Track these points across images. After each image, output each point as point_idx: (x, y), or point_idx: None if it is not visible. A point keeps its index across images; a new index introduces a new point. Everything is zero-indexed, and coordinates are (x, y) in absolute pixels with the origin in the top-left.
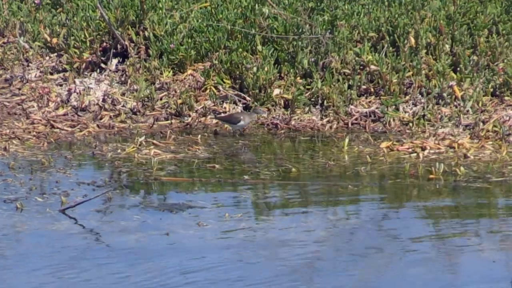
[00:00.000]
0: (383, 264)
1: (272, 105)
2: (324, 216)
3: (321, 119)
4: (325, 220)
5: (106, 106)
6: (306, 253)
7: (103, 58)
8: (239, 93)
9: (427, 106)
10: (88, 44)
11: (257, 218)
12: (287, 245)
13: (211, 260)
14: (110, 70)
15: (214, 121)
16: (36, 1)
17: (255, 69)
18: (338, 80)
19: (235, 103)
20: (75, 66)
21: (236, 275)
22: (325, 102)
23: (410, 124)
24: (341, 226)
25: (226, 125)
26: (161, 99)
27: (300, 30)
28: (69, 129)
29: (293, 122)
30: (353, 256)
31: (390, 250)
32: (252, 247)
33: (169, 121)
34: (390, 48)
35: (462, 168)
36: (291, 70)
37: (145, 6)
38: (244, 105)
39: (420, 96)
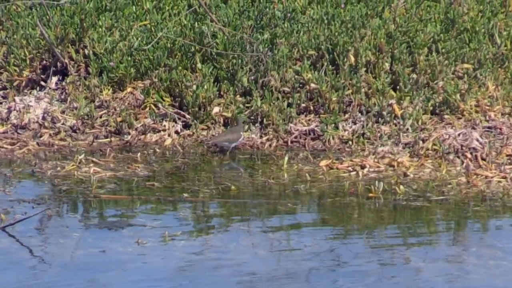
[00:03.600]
0: (323, 283)
1: (212, 123)
2: (264, 234)
3: (261, 137)
4: (265, 238)
5: (46, 124)
6: (245, 272)
7: (43, 76)
8: (179, 111)
9: (367, 125)
10: (28, 62)
11: (196, 236)
12: (226, 263)
13: (149, 277)
14: (50, 88)
15: (154, 139)
16: None
17: (194, 87)
18: (278, 98)
19: (174, 121)
20: (15, 84)
21: None
22: (264, 120)
23: (350, 143)
24: (281, 244)
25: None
26: (100, 117)
27: (241, 48)
28: (9, 147)
29: None
30: (292, 274)
31: (330, 267)
32: (191, 265)
33: (108, 139)
34: (330, 66)
35: (401, 187)
36: (231, 88)
37: (85, 24)
38: (183, 123)
39: (359, 114)
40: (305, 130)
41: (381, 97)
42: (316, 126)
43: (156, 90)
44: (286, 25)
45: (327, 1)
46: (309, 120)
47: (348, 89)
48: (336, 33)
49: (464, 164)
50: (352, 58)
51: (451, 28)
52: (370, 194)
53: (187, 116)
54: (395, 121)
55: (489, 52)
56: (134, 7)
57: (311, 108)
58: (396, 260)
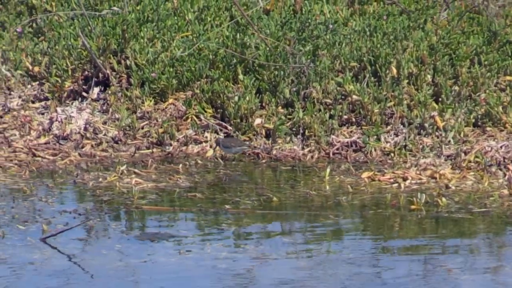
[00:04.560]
0: None
1: (254, 135)
2: (305, 246)
3: (303, 148)
4: (306, 250)
5: (88, 134)
6: (287, 284)
7: (84, 87)
8: (221, 122)
9: (409, 136)
10: (70, 72)
11: (238, 248)
12: (267, 275)
13: None
14: (91, 99)
15: (195, 150)
16: (18, 30)
17: (236, 98)
18: (320, 110)
19: (216, 132)
20: (56, 94)
21: None
22: (306, 131)
23: (392, 154)
24: (323, 256)
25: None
26: (142, 128)
27: (283, 59)
28: (51, 157)
29: (274, 152)
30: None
31: (372, 280)
32: (233, 276)
33: (150, 150)
34: (372, 78)
35: (443, 199)
36: (273, 100)
37: (126, 35)
38: (225, 134)
39: (401, 126)
40: (347, 142)
41: (423, 109)
42: (358, 138)
43: (198, 101)
44: (328, 37)
45: (369, 13)
46: (351, 132)
47: (390, 101)
48: (378, 45)
49: (507, 177)
50: (394, 70)
51: (493, 40)
52: (412, 206)
53: (229, 127)
54: (437, 133)
55: None
56: (176, 18)
57: (353, 120)
58: (438, 272)
